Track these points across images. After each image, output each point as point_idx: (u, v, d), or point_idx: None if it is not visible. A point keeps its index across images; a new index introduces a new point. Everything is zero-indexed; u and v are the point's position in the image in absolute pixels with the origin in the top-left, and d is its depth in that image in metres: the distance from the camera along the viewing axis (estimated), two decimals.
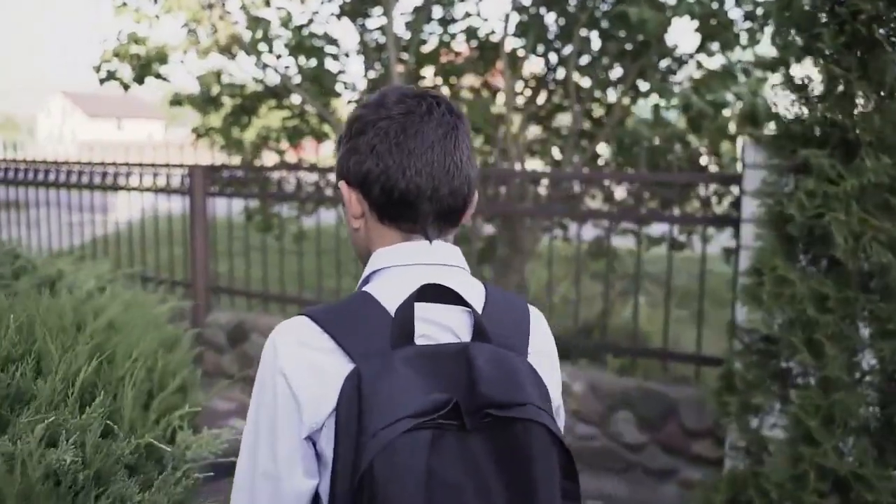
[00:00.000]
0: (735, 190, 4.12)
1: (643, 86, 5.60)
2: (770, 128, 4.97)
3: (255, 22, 5.63)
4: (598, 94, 5.85)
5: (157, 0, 5.39)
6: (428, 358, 0.88)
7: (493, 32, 5.90)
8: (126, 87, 5.76)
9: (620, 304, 5.91)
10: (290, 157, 6.86)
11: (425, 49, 6.04)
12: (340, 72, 6.22)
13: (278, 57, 5.99)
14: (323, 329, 0.91)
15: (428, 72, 6.21)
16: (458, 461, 0.82)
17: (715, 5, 4.83)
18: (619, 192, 5.14)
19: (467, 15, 5.95)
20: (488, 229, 5.83)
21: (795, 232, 2.14)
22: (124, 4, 5.45)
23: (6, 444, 1.06)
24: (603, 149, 6.02)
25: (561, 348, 4.21)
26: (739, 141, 5.43)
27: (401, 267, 0.98)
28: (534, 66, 6.17)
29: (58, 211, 5.96)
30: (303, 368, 0.90)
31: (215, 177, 5.45)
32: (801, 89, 2.23)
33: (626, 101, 5.59)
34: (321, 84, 5.98)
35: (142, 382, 1.41)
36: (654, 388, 3.85)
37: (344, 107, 6.88)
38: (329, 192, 4.96)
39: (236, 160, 6.64)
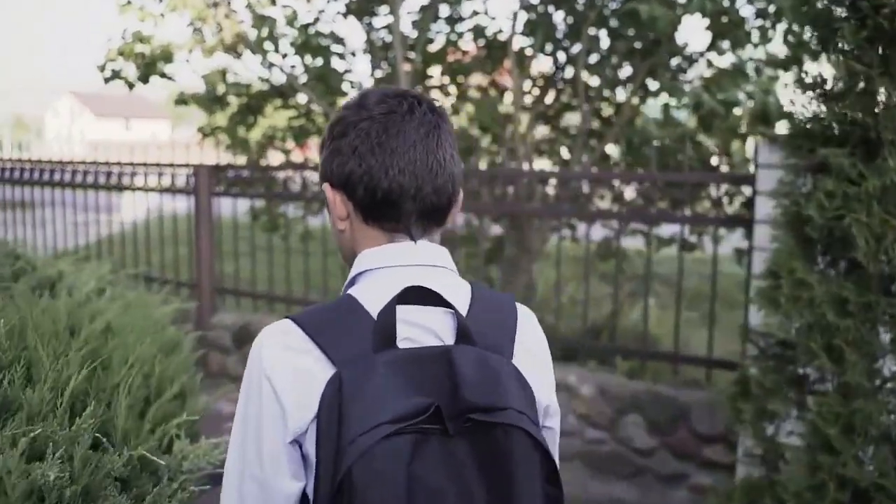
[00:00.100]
0: (747, 190, 4.05)
1: (653, 85, 5.53)
2: (783, 127, 4.91)
3: (261, 20, 5.59)
4: (606, 93, 5.79)
5: None
6: (410, 362, 0.88)
7: (500, 31, 5.85)
8: (131, 86, 5.72)
9: (629, 306, 5.84)
10: (296, 157, 6.82)
11: (432, 48, 5.99)
12: (347, 71, 6.17)
13: (284, 56, 5.94)
14: (306, 333, 0.91)
15: (435, 71, 6.17)
16: (441, 466, 0.82)
17: (726, 3, 4.76)
18: (629, 193, 5.08)
19: (474, 13, 5.90)
20: (496, 229, 5.78)
21: (814, 233, 2.08)
22: (129, 3, 5.42)
23: None
24: (612, 149, 5.95)
25: (569, 350, 4.13)
26: (750, 140, 5.36)
27: (386, 269, 0.98)
28: (542, 64, 6.11)
29: (63, 211, 5.94)
30: (287, 373, 0.90)
31: (220, 176, 5.41)
32: (819, 86, 2.16)
33: (635, 100, 5.52)
34: (327, 83, 5.94)
35: (138, 389, 1.35)
36: (664, 392, 3.79)
37: None
38: None
39: (242, 160, 6.60)
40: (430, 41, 5.96)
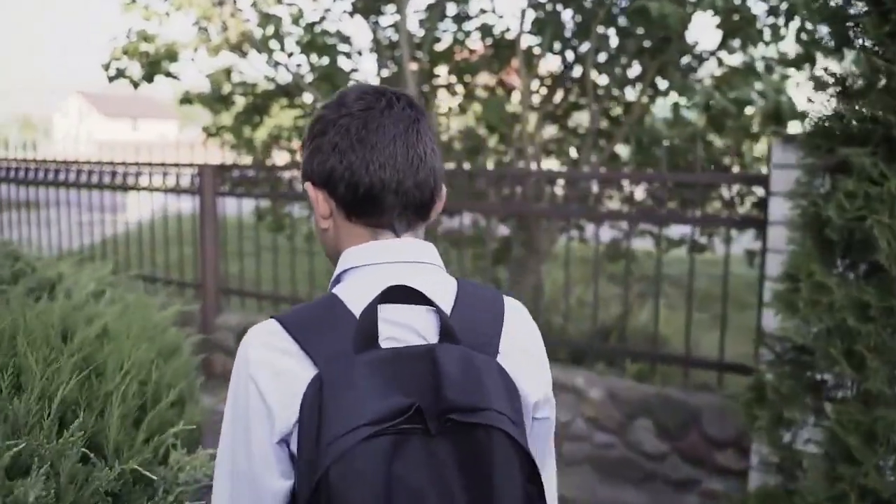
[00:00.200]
0: (760, 191, 3.98)
1: (662, 84, 5.46)
2: (796, 126, 4.83)
3: (267, 19, 5.55)
4: (616, 92, 5.72)
5: None
6: (391, 361, 0.87)
7: (508, 30, 5.79)
8: (136, 84, 5.69)
9: (637, 307, 5.78)
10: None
11: (439, 47, 5.93)
12: (353, 70, 6.12)
13: (290, 55, 5.90)
14: (289, 334, 0.91)
15: (442, 70, 6.11)
16: (423, 466, 0.83)
17: (737, 0, 4.69)
18: (638, 193, 5.01)
19: (482, 12, 5.85)
20: (503, 230, 5.72)
21: (834, 235, 2.01)
22: (133, 1, 5.38)
23: None
24: (621, 148, 5.89)
25: (577, 352, 4.06)
26: (762, 140, 5.28)
27: (370, 266, 0.98)
28: (550, 63, 6.05)
29: (68, 210, 5.92)
30: (271, 374, 0.90)
31: (225, 176, 5.38)
32: (838, 83, 2.09)
33: (644, 99, 5.46)
34: (333, 82, 5.88)
35: (133, 397, 1.30)
36: (675, 396, 3.72)
37: None
38: None
39: (247, 159, 6.56)
40: (437, 40, 5.91)
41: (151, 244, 5.64)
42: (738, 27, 4.85)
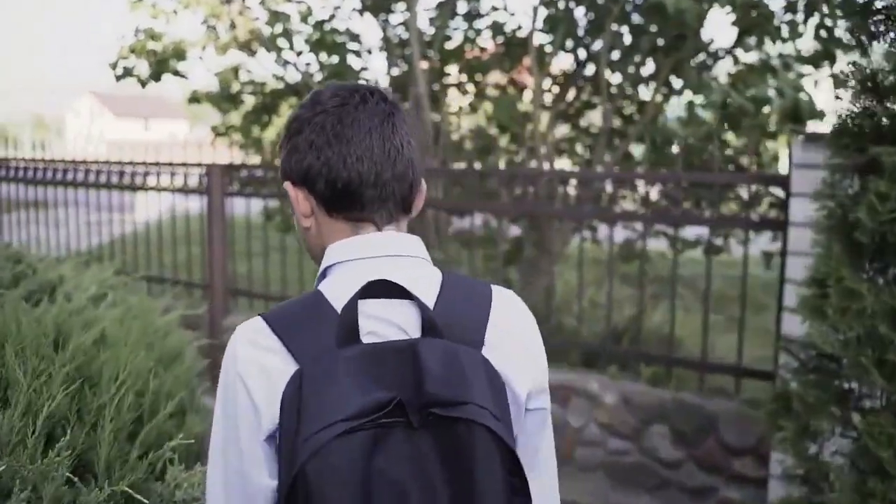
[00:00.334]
0: (779, 192, 3.88)
1: (676, 82, 5.37)
2: (815, 125, 4.72)
3: (275, 17, 5.49)
4: (629, 90, 5.63)
5: None
6: (373, 356, 0.87)
7: (519, 28, 5.71)
8: (143, 83, 5.64)
9: (651, 309, 5.68)
10: None
11: (450, 45, 5.86)
12: (363, 69, 6.06)
13: (299, 53, 5.84)
14: (273, 331, 0.92)
15: (453, 69, 6.04)
16: (405, 460, 0.83)
17: None
18: (652, 193, 4.92)
19: (493, 9, 5.78)
20: (515, 230, 5.64)
21: (864, 238, 1.92)
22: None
23: None
24: (635, 148, 5.79)
25: (590, 355, 3.96)
26: (781, 139, 5.18)
27: (353, 261, 0.98)
28: (562, 62, 5.96)
29: (77, 210, 5.88)
30: (258, 372, 0.90)
31: (233, 176, 5.32)
32: (868, 80, 2.00)
33: (658, 97, 5.36)
34: (343, 81, 5.82)
35: (128, 409, 1.23)
36: (691, 401, 3.63)
37: None
38: None
39: (255, 159, 6.51)
40: (448, 38, 5.84)
41: (159, 244, 5.59)
42: (755, 24, 4.75)
